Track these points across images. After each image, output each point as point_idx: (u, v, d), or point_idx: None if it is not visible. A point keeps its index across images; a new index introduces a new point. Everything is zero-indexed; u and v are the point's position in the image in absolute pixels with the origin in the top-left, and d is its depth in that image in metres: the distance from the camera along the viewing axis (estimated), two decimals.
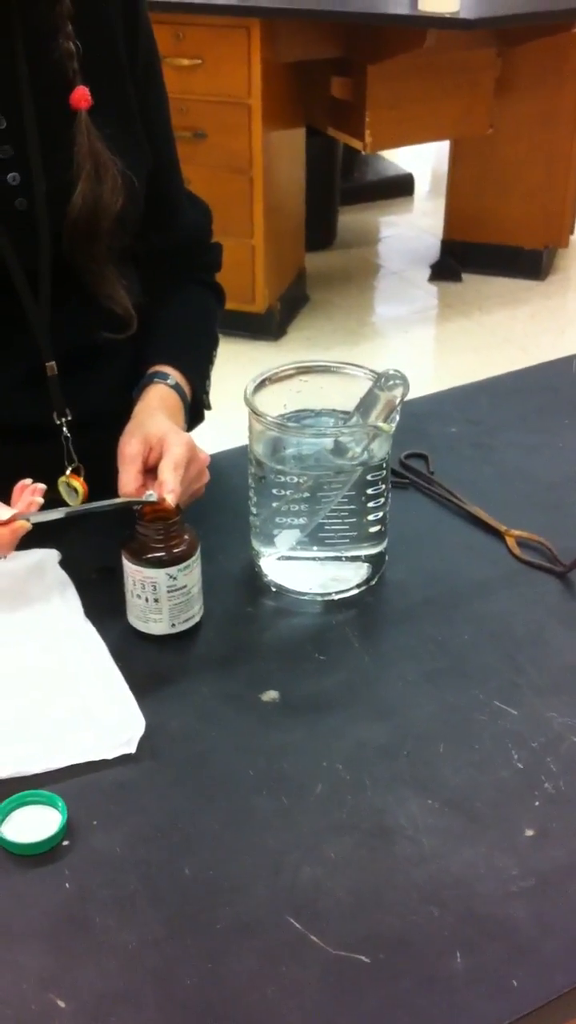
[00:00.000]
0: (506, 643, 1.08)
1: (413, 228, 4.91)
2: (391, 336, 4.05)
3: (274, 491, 1.10)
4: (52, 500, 1.08)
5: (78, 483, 1.21)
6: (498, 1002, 0.76)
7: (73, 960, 0.79)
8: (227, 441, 1.35)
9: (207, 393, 1.35)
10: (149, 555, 1.04)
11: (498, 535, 1.23)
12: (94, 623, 1.08)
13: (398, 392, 1.04)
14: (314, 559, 1.14)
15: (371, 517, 1.12)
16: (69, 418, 1.22)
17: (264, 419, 1.08)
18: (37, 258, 1.16)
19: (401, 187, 5.20)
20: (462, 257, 4.33)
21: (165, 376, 1.23)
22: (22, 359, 1.20)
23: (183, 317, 1.35)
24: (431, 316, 4.18)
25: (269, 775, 0.93)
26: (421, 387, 1.38)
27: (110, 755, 0.94)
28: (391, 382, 1.04)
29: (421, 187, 5.28)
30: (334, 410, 1.15)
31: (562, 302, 4.19)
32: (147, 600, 1.05)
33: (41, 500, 1.04)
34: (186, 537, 1.06)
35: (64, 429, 1.22)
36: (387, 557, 1.18)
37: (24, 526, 1.02)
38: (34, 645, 1.06)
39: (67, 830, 0.88)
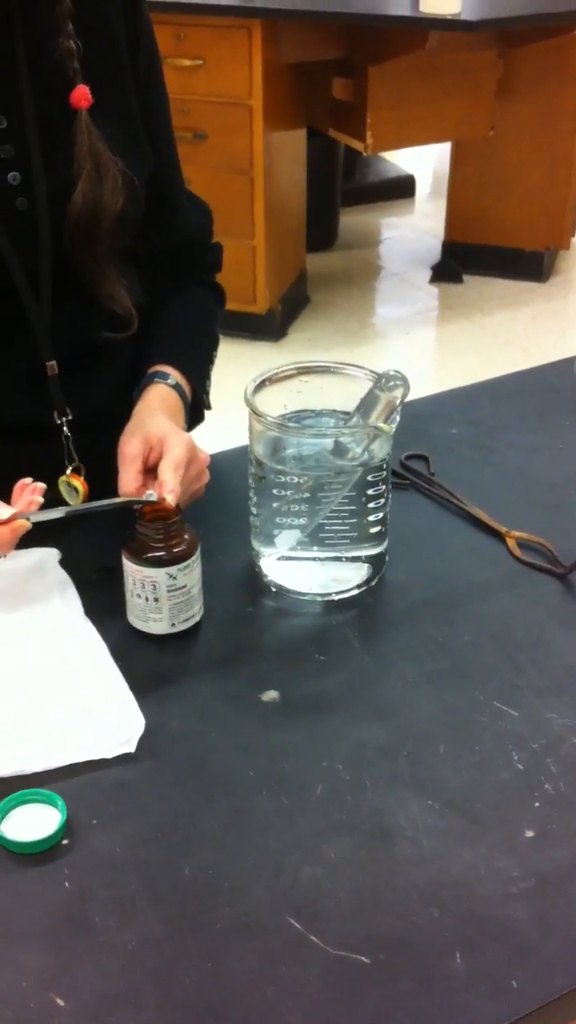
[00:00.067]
0: (506, 644, 1.08)
1: (414, 229, 4.91)
2: (392, 337, 4.05)
3: (274, 491, 1.10)
4: (52, 499, 1.08)
5: (78, 482, 1.21)
6: (498, 1003, 0.76)
7: (73, 959, 0.79)
8: (227, 441, 1.35)
9: (207, 393, 1.35)
10: (149, 555, 1.04)
11: (498, 536, 1.23)
12: (94, 623, 1.08)
13: (398, 393, 1.04)
14: (314, 559, 1.14)
15: (371, 518, 1.12)
16: (70, 417, 1.22)
17: (264, 419, 1.08)
18: (38, 258, 1.16)
19: (402, 188, 5.20)
20: (463, 259, 4.33)
21: (165, 376, 1.23)
22: (23, 359, 1.20)
23: (183, 317, 1.35)
24: (432, 318, 4.18)
25: (269, 775, 0.93)
26: (422, 389, 1.38)
27: (110, 754, 0.94)
28: (391, 383, 1.04)
29: (422, 188, 5.28)
30: (334, 410, 1.15)
31: (563, 304, 4.19)
32: (147, 600, 1.05)
33: (41, 499, 1.04)
34: (186, 537, 1.06)
35: (64, 429, 1.22)
36: (387, 558, 1.18)
37: (24, 525, 1.02)
38: (34, 644, 1.05)
39: (67, 829, 0.88)
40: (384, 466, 1.11)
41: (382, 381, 1.05)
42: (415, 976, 0.77)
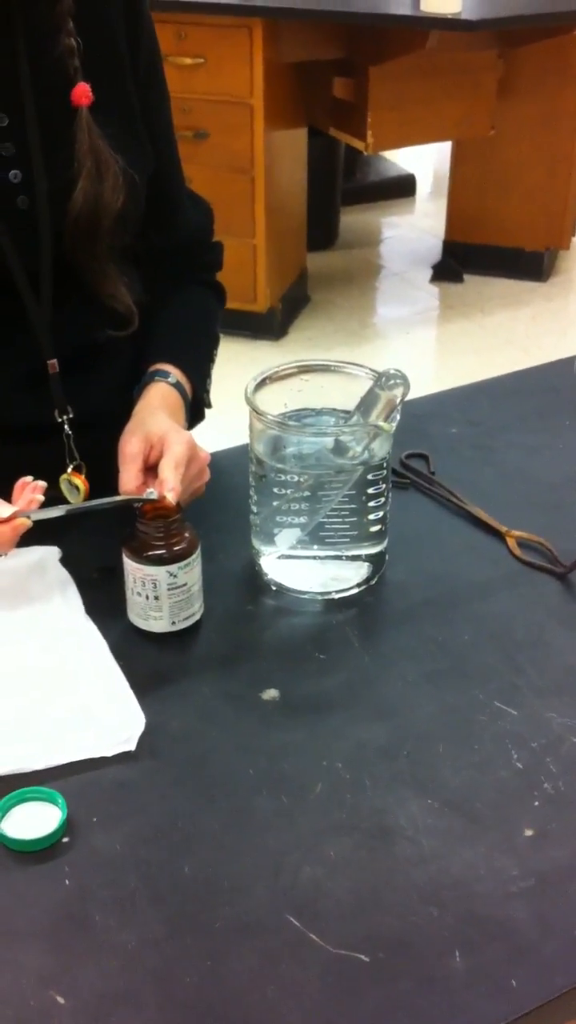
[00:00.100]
0: (506, 644, 1.08)
1: (414, 229, 4.91)
2: (392, 337, 4.05)
3: (275, 490, 1.10)
4: (53, 498, 1.08)
5: (80, 481, 1.21)
6: (497, 1002, 0.76)
7: (73, 958, 0.79)
8: (228, 440, 1.35)
9: (208, 392, 1.35)
10: (149, 553, 1.04)
11: (499, 536, 1.23)
12: (95, 621, 1.08)
13: (399, 391, 1.04)
14: (314, 558, 1.14)
15: (371, 516, 1.12)
16: (70, 416, 1.22)
17: (265, 418, 1.08)
18: (38, 257, 1.16)
19: (403, 188, 5.21)
20: (463, 258, 4.34)
21: (166, 374, 1.23)
22: (23, 358, 1.20)
23: (184, 317, 1.35)
24: (432, 317, 4.18)
25: (269, 774, 0.93)
26: (422, 388, 1.38)
27: (110, 752, 0.94)
28: (392, 381, 1.04)
29: (423, 188, 5.28)
30: (335, 409, 1.15)
31: (564, 304, 4.20)
32: (147, 598, 1.05)
33: (42, 498, 1.04)
34: (186, 535, 1.06)
35: (65, 428, 1.22)
36: (387, 557, 1.18)
37: (25, 523, 1.02)
38: (35, 643, 1.05)
39: (67, 828, 0.88)
40: (384, 465, 1.11)
41: (382, 380, 1.05)
42: (415, 975, 0.77)
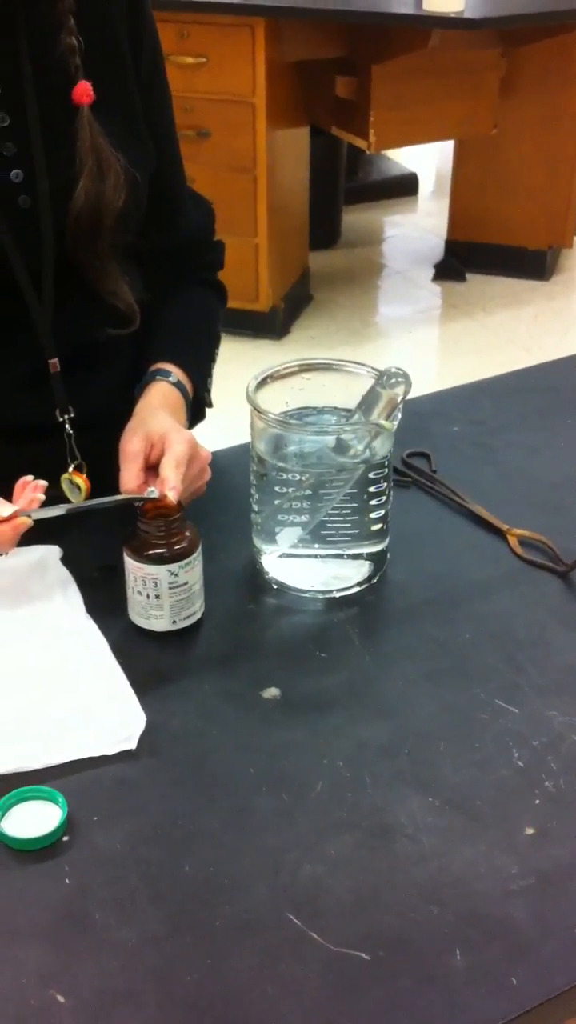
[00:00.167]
0: (507, 642, 1.08)
1: (417, 228, 4.90)
2: (394, 336, 4.05)
3: (276, 489, 1.10)
4: (54, 497, 1.08)
5: (81, 480, 1.21)
6: (497, 1000, 0.76)
7: (73, 957, 0.79)
8: (229, 439, 1.35)
9: (209, 391, 1.35)
10: (150, 552, 1.04)
11: (500, 534, 1.23)
12: (95, 620, 1.08)
13: (400, 390, 1.04)
14: (315, 557, 1.14)
15: (373, 515, 1.12)
16: (72, 416, 1.22)
17: (266, 416, 1.08)
18: (40, 256, 1.16)
19: (405, 187, 5.20)
20: (466, 257, 4.33)
21: (167, 374, 1.23)
22: (25, 358, 1.20)
23: (185, 316, 1.35)
24: (435, 316, 4.18)
25: (270, 773, 0.93)
26: (424, 387, 1.38)
27: (110, 751, 0.94)
28: (393, 380, 1.04)
29: (425, 187, 5.28)
30: (336, 408, 1.15)
31: (566, 303, 4.19)
32: (148, 597, 1.05)
33: (43, 497, 1.04)
34: (187, 534, 1.06)
35: (67, 427, 1.22)
36: (388, 555, 1.18)
37: (25, 522, 1.02)
38: (35, 642, 1.06)
39: (67, 826, 0.88)
40: (386, 464, 1.11)
41: (384, 378, 1.05)
42: (415, 973, 0.78)
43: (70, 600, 1.10)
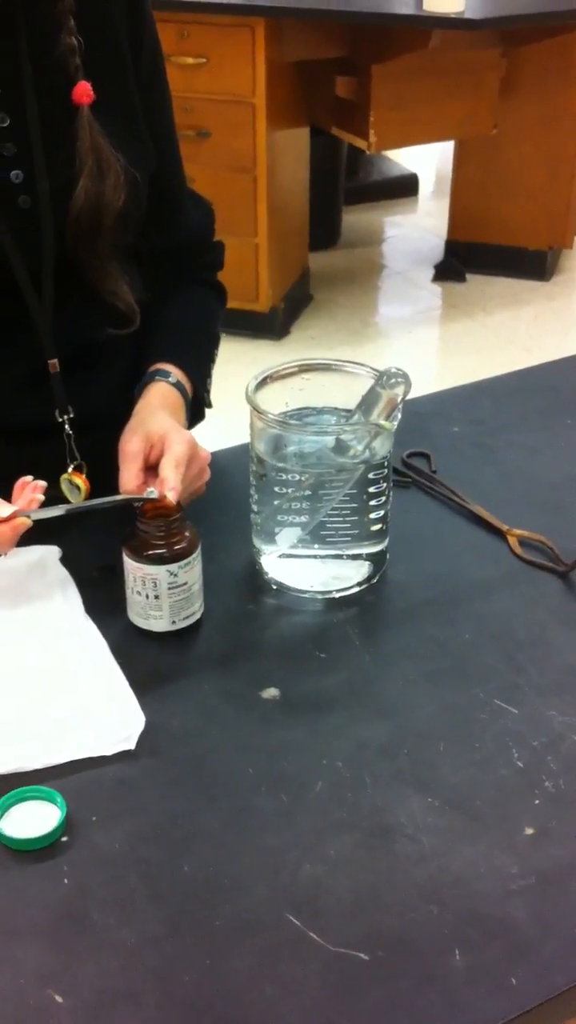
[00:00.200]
0: (507, 643, 1.08)
1: (417, 228, 4.90)
2: (394, 336, 4.05)
3: (275, 489, 1.10)
4: (53, 497, 1.08)
5: (80, 480, 1.21)
6: (497, 1000, 0.76)
7: (72, 957, 0.79)
8: (228, 439, 1.35)
9: (208, 391, 1.35)
10: (150, 552, 1.04)
11: (500, 535, 1.23)
12: (95, 620, 1.08)
13: (400, 390, 1.04)
14: (315, 557, 1.13)
15: (372, 515, 1.12)
16: (71, 416, 1.22)
17: (266, 417, 1.08)
18: (40, 256, 1.16)
19: (405, 187, 5.20)
20: (466, 257, 4.33)
21: (166, 374, 1.23)
22: (25, 358, 1.20)
23: (184, 316, 1.35)
24: (435, 316, 4.18)
25: (269, 773, 0.93)
26: (424, 387, 1.38)
27: (109, 751, 0.94)
28: (393, 380, 1.04)
29: (425, 187, 5.28)
30: (336, 408, 1.15)
31: (567, 303, 4.19)
32: (148, 597, 1.05)
33: (42, 497, 1.04)
34: (187, 534, 1.06)
35: (66, 427, 1.22)
36: (388, 555, 1.18)
37: (25, 523, 1.02)
38: (35, 642, 1.05)
39: (66, 826, 0.88)
40: (385, 464, 1.11)
41: (383, 378, 1.05)
42: (414, 973, 0.77)
43: (69, 600, 1.10)
